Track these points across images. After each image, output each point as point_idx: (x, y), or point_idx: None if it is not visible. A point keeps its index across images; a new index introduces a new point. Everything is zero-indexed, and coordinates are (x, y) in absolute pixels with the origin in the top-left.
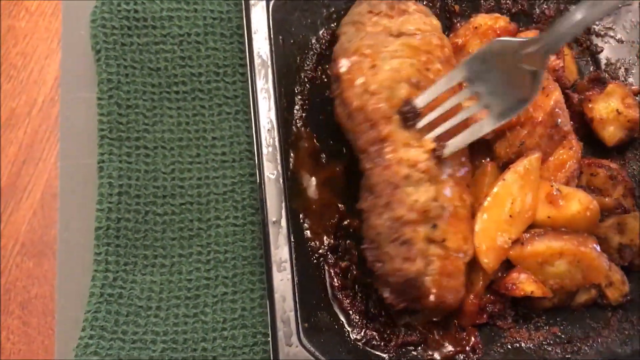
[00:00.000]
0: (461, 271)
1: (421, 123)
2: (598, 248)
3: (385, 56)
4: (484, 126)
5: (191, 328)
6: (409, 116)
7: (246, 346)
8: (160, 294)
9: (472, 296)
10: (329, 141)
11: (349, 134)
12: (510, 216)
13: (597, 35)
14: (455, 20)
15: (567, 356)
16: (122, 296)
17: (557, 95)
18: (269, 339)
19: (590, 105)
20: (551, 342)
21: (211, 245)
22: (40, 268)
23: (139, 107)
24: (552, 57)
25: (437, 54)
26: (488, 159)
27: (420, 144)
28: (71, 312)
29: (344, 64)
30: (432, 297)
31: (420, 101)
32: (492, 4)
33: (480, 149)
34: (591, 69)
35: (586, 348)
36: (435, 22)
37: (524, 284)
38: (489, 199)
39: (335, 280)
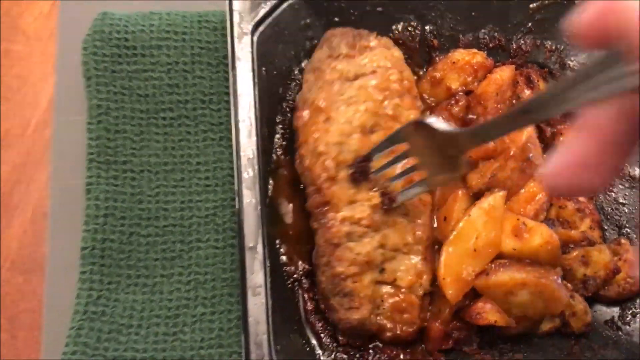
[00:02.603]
0: (415, 305)
1: (372, 175)
2: (559, 280)
3: (339, 105)
4: (426, 184)
5: (170, 346)
6: (358, 172)
7: None
8: (141, 312)
9: (438, 322)
10: None
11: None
12: (475, 250)
13: (572, 70)
14: (434, 55)
15: None
16: (105, 314)
17: (529, 130)
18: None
19: (562, 139)
20: None
21: (192, 266)
22: (29, 284)
23: (127, 132)
24: (526, 91)
25: (395, 89)
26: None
27: (368, 196)
28: (58, 327)
29: (304, 116)
30: (388, 333)
31: (370, 155)
32: (471, 38)
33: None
34: None
35: None
36: (397, 54)
37: (488, 313)
38: (454, 233)
39: (308, 304)
